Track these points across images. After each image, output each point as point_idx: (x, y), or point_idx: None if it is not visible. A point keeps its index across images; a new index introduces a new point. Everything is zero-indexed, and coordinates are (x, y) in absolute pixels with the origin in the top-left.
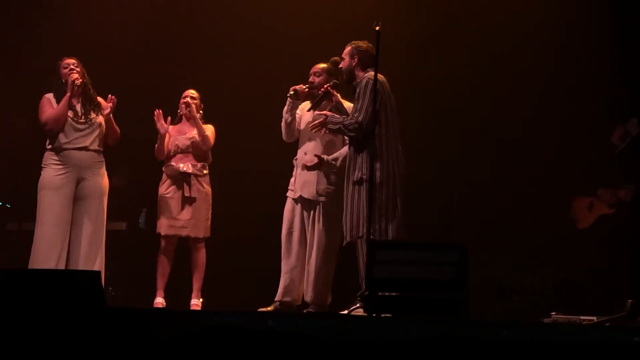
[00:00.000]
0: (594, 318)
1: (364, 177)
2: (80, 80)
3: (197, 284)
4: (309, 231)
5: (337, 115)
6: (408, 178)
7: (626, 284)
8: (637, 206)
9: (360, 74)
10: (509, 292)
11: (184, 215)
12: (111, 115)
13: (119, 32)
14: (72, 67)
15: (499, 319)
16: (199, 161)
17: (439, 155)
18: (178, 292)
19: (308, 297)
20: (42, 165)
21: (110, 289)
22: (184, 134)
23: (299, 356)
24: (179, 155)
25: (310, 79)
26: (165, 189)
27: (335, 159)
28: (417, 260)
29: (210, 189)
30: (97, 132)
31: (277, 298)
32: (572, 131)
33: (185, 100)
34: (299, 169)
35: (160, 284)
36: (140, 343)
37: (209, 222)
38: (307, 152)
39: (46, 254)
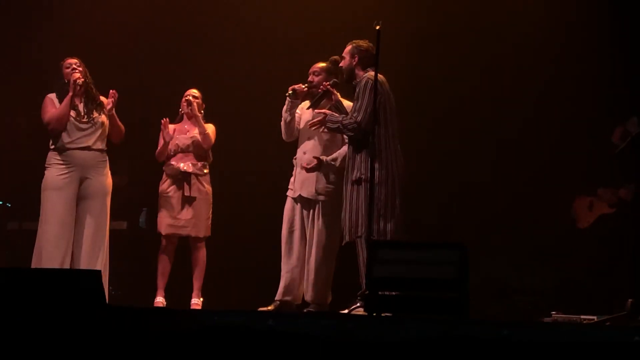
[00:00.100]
0: (594, 317)
1: (363, 176)
2: (83, 79)
3: (197, 284)
4: (308, 230)
5: (337, 114)
6: (408, 178)
7: (626, 283)
8: (638, 206)
9: (361, 73)
10: (509, 291)
11: (184, 214)
12: (114, 112)
13: (119, 32)
14: (74, 66)
15: (499, 319)
16: (199, 160)
17: (439, 155)
18: (178, 291)
19: (308, 297)
20: (46, 165)
21: (110, 288)
22: (184, 133)
23: (299, 356)
24: (179, 155)
25: (310, 78)
26: (166, 188)
27: (335, 159)
28: (418, 260)
29: (210, 189)
30: (100, 131)
31: (277, 297)
32: (572, 131)
33: (187, 98)
34: (299, 168)
35: (161, 283)
36: (140, 342)
37: (210, 222)
38: (307, 151)
39: (51, 253)
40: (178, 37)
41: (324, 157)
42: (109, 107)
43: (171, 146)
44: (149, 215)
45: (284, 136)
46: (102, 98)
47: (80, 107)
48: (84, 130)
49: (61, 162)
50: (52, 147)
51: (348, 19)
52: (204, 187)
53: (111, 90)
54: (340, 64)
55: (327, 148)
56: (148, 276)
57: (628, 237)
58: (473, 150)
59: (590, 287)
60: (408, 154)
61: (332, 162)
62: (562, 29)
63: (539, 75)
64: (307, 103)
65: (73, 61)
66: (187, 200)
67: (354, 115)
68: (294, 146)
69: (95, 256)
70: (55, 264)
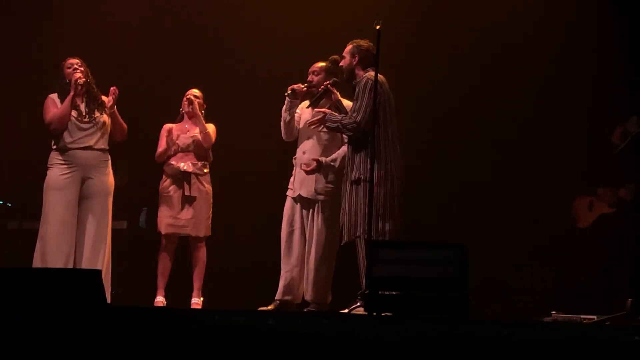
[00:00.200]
0: (594, 317)
1: (362, 176)
2: (84, 79)
3: (197, 283)
4: (308, 230)
5: (336, 114)
6: (408, 178)
7: (626, 283)
8: (638, 205)
9: (361, 73)
10: (510, 291)
11: (184, 214)
12: (116, 109)
13: (119, 32)
14: (75, 66)
15: (499, 319)
16: (199, 160)
17: (439, 155)
18: (178, 291)
19: (308, 296)
20: (48, 165)
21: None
22: (185, 132)
23: (299, 355)
24: (179, 154)
25: (309, 78)
26: (166, 187)
27: (334, 160)
28: (418, 260)
29: (211, 188)
30: (101, 131)
31: (277, 297)
32: (572, 131)
33: (188, 97)
34: (298, 168)
35: (161, 282)
36: (140, 342)
37: (210, 221)
38: (306, 151)
39: (53, 253)
40: (178, 37)
41: (323, 159)
42: (109, 104)
43: (170, 141)
44: (149, 215)
45: (283, 136)
46: (103, 97)
47: (82, 107)
48: (85, 130)
49: (63, 162)
50: (54, 147)
51: (348, 19)
52: (204, 187)
53: (112, 88)
54: (341, 64)
55: (327, 148)
56: (148, 276)
57: (628, 237)
58: (473, 150)
59: (590, 287)
60: (408, 154)
61: (332, 163)
62: (562, 29)
63: (538, 75)
64: (307, 103)
65: (74, 61)
66: (187, 200)
67: (354, 115)
68: (294, 146)
69: (98, 256)
70: (58, 264)
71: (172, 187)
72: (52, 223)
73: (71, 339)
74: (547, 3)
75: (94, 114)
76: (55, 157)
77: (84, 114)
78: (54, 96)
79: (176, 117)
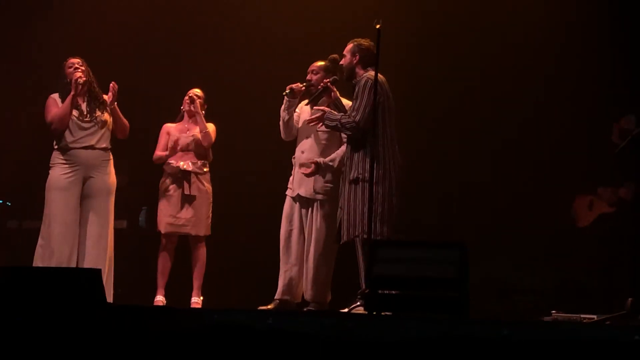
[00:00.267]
0: (594, 316)
1: (360, 176)
2: (84, 78)
3: (197, 282)
4: (307, 229)
5: (335, 112)
6: (408, 178)
7: (626, 282)
8: (638, 205)
9: (361, 72)
10: (510, 291)
11: (184, 213)
12: (117, 106)
13: (118, 31)
14: (76, 66)
15: (499, 318)
16: (199, 159)
17: (438, 155)
18: (178, 290)
19: (308, 296)
20: (50, 165)
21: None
22: (185, 132)
23: (299, 354)
24: (179, 153)
25: (308, 77)
26: (166, 186)
27: (332, 160)
28: (418, 259)
29: (210, 187)
30: (103, 130)
31: (276, 296)
32: (572, 131)
33: (190, 96)
34: (297, 168)
35: (161, 282)
36: (140, 341)
37: (210, 220)
38: (305, 150)
39: (55, 253)
40: (178, 37)
41: (320, 159)
42: (110, 100)
43: (170, 144)
44: (149, 214)
45: (282, 135)
46: (104, 97)
47: (83, 106)
48: (86, 129)
49: (65, 161)
50: (56, 147)
51: (348, 19)
52: (204, 186)
53: (111, 83)
54: (341, 62)
55: (325, 147)
56: (148, 275)
57: (628, 236)
58: (473, 150)
59: (590, 287)
60: (408, 154)
61: (330, 163)
62: (562, 29)
63: (538, 75)
64: (306, 102)
65: (75, 61)
66: (187, 199)
67: (353, 114)
68: (293, 145)
69: (100, 255)
70: (59, 264)
71: (172, 186)
72: (53, 223)
73: (71, 337)
74: (547, 3)
75: (95, 113)
76: (57, 157)
77: (85, 113)
78: (55, 96)
79: (176, 117)
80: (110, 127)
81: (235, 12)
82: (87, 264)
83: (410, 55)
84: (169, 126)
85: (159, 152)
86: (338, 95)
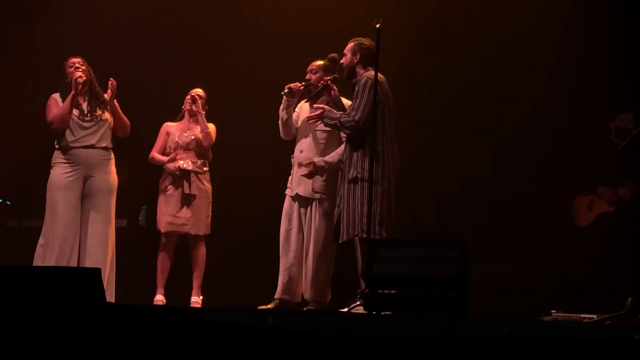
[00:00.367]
0: (594, 316)
1: (359, 175)
2: (84, 78)
3: (197, 282)
4: (306, 228)
5: (335, 111)
6: (408, 178)
7: (626, 282)
8: (637, 205)
9: (361, 71)
10: (510, 290)
11: (184, 212)
12: (117, 103)
13: (119, 32)
14: (77, 65)
15: (499, 318)
16: (199, 158)
17: (438, 155)
18: (178, 289)
19: (307, 295)
20: (51, 165)
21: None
22: (185, 131)
23: (299, 354)
24: (179, 152)
25: (307, 76)
26: (166, 186)
27: (331, 160)
28: (418, 258)
29: (210, 187)
30: (103, 129)
31: (276, 296)
32: (572, 131)
33: (192, 95)
34: (296, 167)
35: (161, 281)
36: (140, 340)
37: (209, 220)
38: (303, 149)
39: (56, 252)
40: (178, 36)
41: (318, 159)
42: (109, 97)
43: (171, 144)
44: (148, 214)
45: (281, 135)
46: (106, 96)
47: (84, 105)
48: (87, 128)
49: (65, 161)
50: (57, 146)
51: (348, 19)
52: (204, 185)
53: (110, 82)
54: (341, 61)
55: (324, 147)
56: (148, 274)
57: (628, 235)
58: (473, 150)
59: (590, 286)
60: (408, 154)
61: (329, 161)
62: (562, 29)
63: (538, 75)
64: (305, 103)
65: (76, 60)
66: (187, 198)
67: (352, 113)
68: (293, 145)
69: (101, 254)
70: (60, 263)
71: (171, 186)
72: (54, 222)
73: (70, 337)
74: (547, 3)
75: (96, 112)
76: (58, 156)
77: (85, 112)
78: (56, 96)
79: (176, 116)
80: (112, 126)
81: (235, 12)
82: (91, 263)
83: (410, 55)
84: (169, 125)
85: (155, 153)
86: (338, 93)
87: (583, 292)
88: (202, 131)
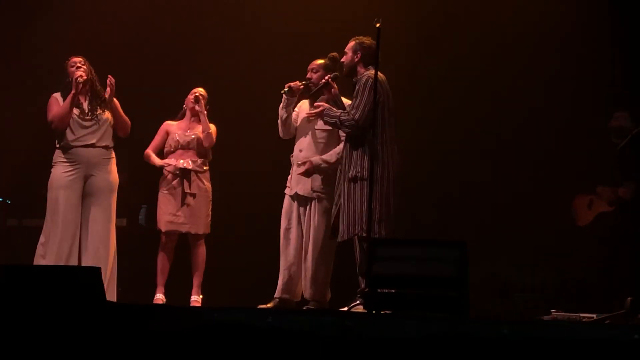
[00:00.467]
0: (594, 316)
1: (359, 174)
2: (85, 77)
3: (197, 281)
4: (305, 227)
5: (335, 109)
6: (408, 178)
7: (626, 282)
8: (637, 204)
9: (362, 70)
10: (510, 290)
11: (184, 211)
12: (117, 102)
13: (119, 31)
14: (78, 65)
15: (499, 317)
16: (199, 157)
17: (438, 155)
18: (178, 288)
19: (307, 294)
20: (52, 164)
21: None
22: (185, 130)
23: (298, 353)
24: (179, 151)
25: (308, 75)
26: (166, 185)
27: (329, 158)
28: (418, 257)
29: (210, 186)
30: (104, 128)
31: (276, 295)
32: (572, 131)
33: (195, 95)
34: (295, 166)
35: (160, 280)
36: (139, 339)
37: (209, 219)
38: (303, 149)
39: (56, 251)
40: (179, 36)
41: (316, 159)
42: (108, 95)
43: (171, 142)
44: (148, 213)
45: (280, 134)
46: (105, 94)
47: (85, 104)
48: (87, 127)
49: (66, 160)
50: (57, 145)
51: (348, 19)
52: (204, 184)
53: (108, 80)
54: (342, 59)
55: (324, 146)
56: (148, 273)
57: (628, 236)
58: (473, 150)
59: (590, 286)
60: (408, 154)
61: (327, 159)
62: (562, 29)
63: (538, 75)
64: (305, 102)
65: (77, 60)
66: (187, 197)
67: (352, 112)
68: (293, 144)
69: (101, 253)
70: (60, 262)
71: (171, 185)
72: (55, 221)
73: (70, 336)
74: (547, 3)
75: (97, 111)
76: (58, 156)
77: (86, 111)
78: (57, 95)
79: (177, 115)
80: (112, 125)
81: (235, 12)
82: (93, 262)
83: (410, 55)
84: (169, 124)
85: (150, 151)
86: (338, 92)
87: (583, 292)
88: (203, 131)
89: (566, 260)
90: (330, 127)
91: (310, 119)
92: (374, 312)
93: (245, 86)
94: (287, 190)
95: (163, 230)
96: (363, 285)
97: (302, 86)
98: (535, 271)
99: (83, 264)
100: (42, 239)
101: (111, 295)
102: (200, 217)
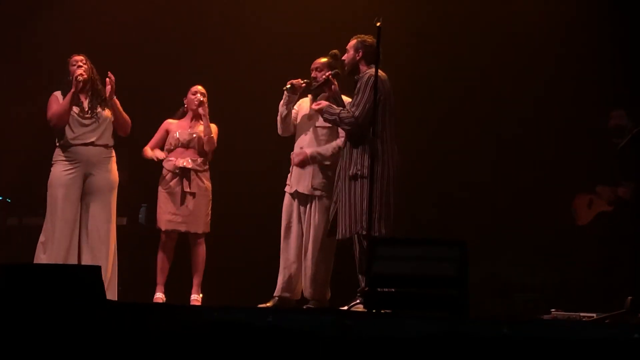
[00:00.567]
0: (594, 315)
1: (359, 172)
2: (85, 76)
3: (196, 280)
4: (305, 225)
5: (335, 107)
6: (408, 177)
7: (626, 281)
8: (637, 204)
9: (364, 68)
10: (510, 289)
11: (183, 210)
12: (117, 100)
13: (119, 31)
14: (79, 63)
15: (499, 317)
16: (199, 157)
17: (439, 155)
18: (178, 287)
19: (307, 293)
20: (52, 162)
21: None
22: (186, 129)
23: (298, 352)
24: (179, 150)
25: (313, 74)
26: (166, 184)
27: (324, 151)
28: (418, 257)
29: (210, 185)
30: (103, 126)
31: (276, 293)
32: (572, 131)
33: (200, 99)
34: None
35: (160, 279)
36: (139, 338)
37: (209, 218)
38: (303, 146)
39: (56, 250)
40: (179, 36)
41: (311, 151)
42: (108, 93)
43: (171, 141)
44: (148, 212)
45: (279, 131)
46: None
47: (85, 103)
48: (87, 126)
49: (65, 158)
50: (57, 144)
51: (348, 19)
52: (204, 183)
53: (108, 78)
54: (343, 57)
55: (324, 143)
56: (147, 272)
57: (628, 236)
58: (473, 150)
59: (590, 286)
60: (408, 154)
61: (322, 152)
62: (562, 29)
63: (539, 75)
64: (305, 100)
65: (78, 58)
66: (187, 196)
67: (352, 109)
68: (293, 144)
69: (103, 252)
70: (60, 261)
71: (171, 183)
72: (55, 220)
73: (70, 334)
74: (547, 3)
75: (97, 109)
76: (58, 154)
77: (86, 109)
78: (58, 93)
79: (177, 113)
80: (113, 123)
81: (235, 12)
82: (93, 261)
83: (410, 55)
84: (169, 122)
85: (147, 147)
86: (338, 89)
87: (583, 291)
88: (205, 135)
89: (566, 260)
90: (330, 125)
91: (310, 116)
92: (374, 311)
93: (245, 86)
94: (287, 188)
95: (163, 229)
96: (363, 285)
97: (304, 84)
98: (535, 271)
99: (83, 263)
100: (42, 237)
101: (112, 294)
102: (200, 216)
